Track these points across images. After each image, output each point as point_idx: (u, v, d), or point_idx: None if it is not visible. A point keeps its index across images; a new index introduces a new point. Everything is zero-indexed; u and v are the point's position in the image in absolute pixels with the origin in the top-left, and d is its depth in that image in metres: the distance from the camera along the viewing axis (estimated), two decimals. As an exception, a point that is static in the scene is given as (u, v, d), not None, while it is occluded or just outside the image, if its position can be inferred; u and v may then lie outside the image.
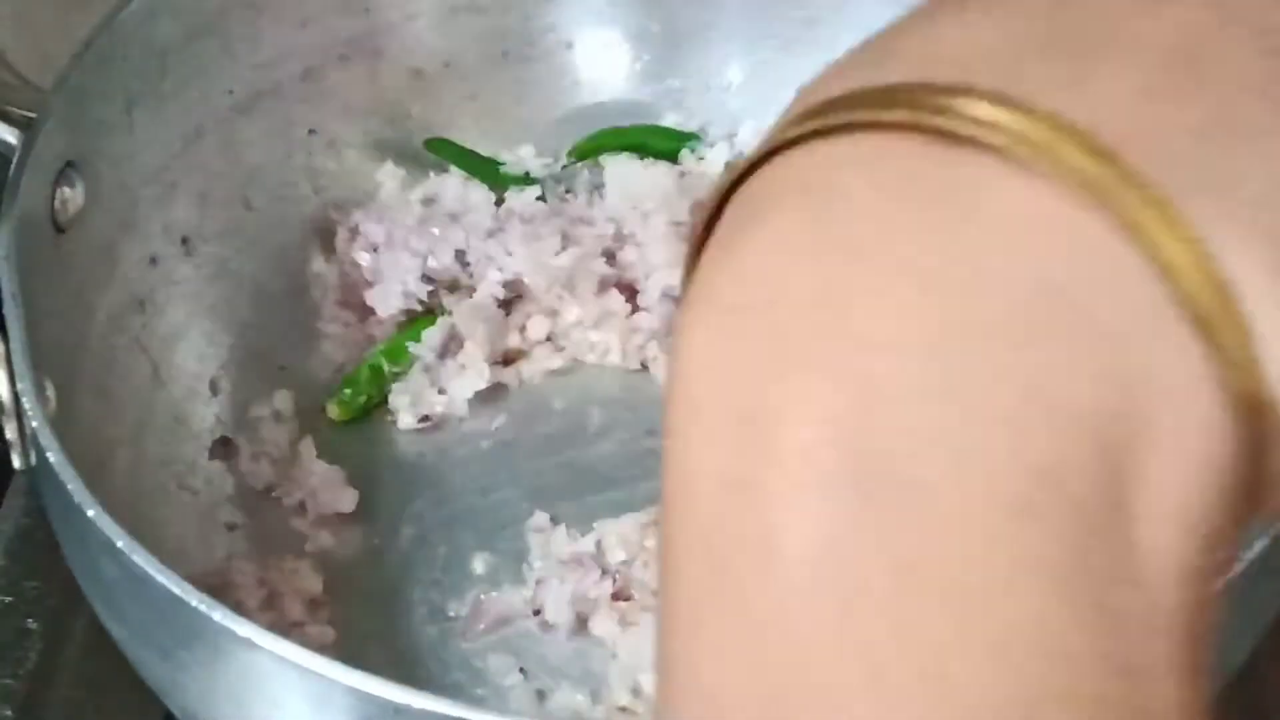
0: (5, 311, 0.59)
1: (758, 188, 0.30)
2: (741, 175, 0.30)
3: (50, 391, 0.60)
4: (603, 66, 0.80)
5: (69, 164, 0.66)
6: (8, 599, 0.70)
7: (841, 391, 0.27)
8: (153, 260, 0.71)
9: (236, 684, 0.55)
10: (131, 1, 0.69)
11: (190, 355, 0.72)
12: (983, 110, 0.28)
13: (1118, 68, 0.29)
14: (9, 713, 0.67)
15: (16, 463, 0.59)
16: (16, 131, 0.64)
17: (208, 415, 0.72)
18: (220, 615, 0.53)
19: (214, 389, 0.73)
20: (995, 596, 0.27)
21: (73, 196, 0.66)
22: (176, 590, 0.53)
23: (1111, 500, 0.27)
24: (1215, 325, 0.28)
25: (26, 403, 0.58)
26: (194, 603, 0.53)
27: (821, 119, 0.29)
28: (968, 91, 0.29)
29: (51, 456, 0.56)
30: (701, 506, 0.28)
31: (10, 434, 0.59)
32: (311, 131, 0.77)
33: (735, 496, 0.28)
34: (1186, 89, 0.29)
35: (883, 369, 0.27)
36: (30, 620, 0.69)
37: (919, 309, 0.28)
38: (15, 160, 0.63)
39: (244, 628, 0.52)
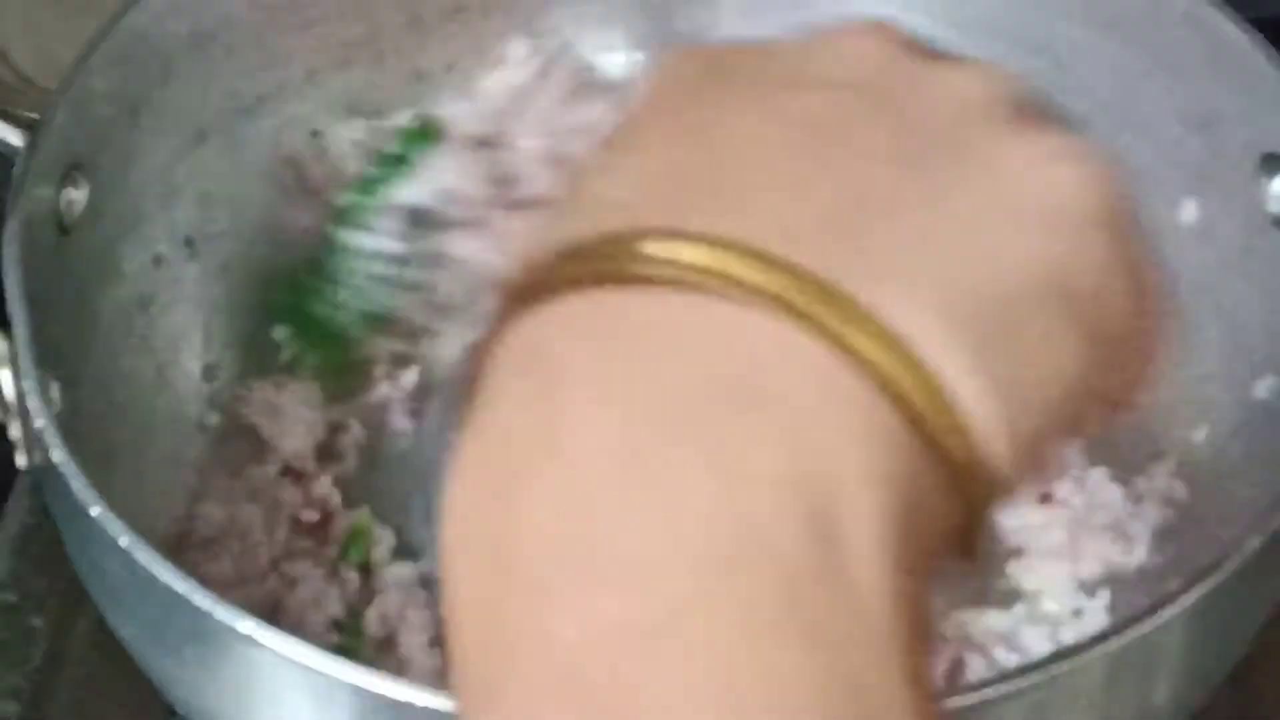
0: (10, 311, 0.60)
1: (498, 358, 0.34)
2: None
3: (55, 391, 0.61)
4: (603, 68, 0.80)
5: (73, 165, 0.66)
6: (13, 598, 0.70)
7: (557, 509, 0.31)
8: (157, 261, 0.72)
9: (240, 681, 0.55)
10: (136, 4, 0.69)
11: (194, 355, 0.73)
12: (656, 249, 0.33)
13: (757, 184, 0.34)
14: (14, 711, 0.67)
15: (21, 462, 0.60)
16: (21, 133, 0.64)
17: (212, 415, 0.73)
18: (223, 613, 0.53)
19: (218, 388, 0.73)
20: (720, 644, 0.30)
21: (77, 198, 0.66)
22: (180, 589, 0.54)
23: (821, 546, 0.31)
24: (897, 385, 0.32)
25: (31, 402, 0.58)
26: (197, 601, 0.53)
27: (535, 282, 0.34)
28: (639, 235, 0.33)
29: (56, 456, 0.57)
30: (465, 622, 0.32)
31: (15, 433, 0.60)
32: (314, 133, 0.77)
33: (489, 612, 0.32)
34: (818, 181, 0.34)
35: (585, 480, 0.31)
36: (35, 618, 0.70)
37: (610, 424, 0.31)
38: (20, 161, 0.64)
39: (247, 625, 0.53)
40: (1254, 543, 0.56)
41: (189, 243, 0.73)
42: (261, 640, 0.52)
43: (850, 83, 0.36)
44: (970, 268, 0.34)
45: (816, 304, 0.32)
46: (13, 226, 0.61)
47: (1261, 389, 0.68)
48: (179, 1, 0.71)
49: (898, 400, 0.32)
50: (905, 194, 0.34)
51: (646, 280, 0.33)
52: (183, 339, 0.72)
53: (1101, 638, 0.53)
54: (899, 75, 0.37)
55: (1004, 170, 0.35)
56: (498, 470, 0.32)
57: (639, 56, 0.80)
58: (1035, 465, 0.35)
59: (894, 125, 0.35)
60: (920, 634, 0.32)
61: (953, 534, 0.34)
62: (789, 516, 0.31)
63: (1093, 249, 0.35)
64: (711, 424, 0.31)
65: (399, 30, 0.78)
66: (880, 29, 0.38)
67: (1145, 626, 0.53)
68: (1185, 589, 0.54)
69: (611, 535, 0.31)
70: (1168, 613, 0.54)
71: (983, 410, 0.33)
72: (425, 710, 0.51)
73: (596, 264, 0.33)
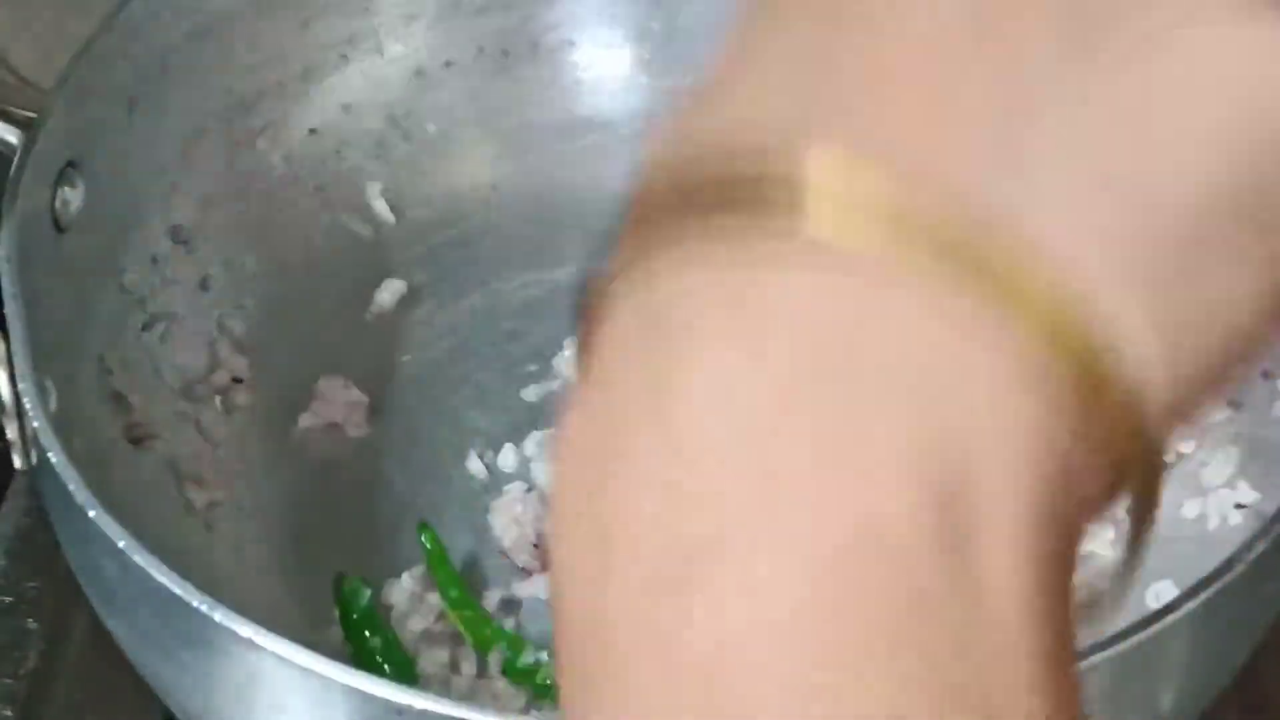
0: (6, 311, 0.60)
1: (609, 313, 0.31)
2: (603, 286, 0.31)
3: (51, 391, 0.60)
4: (604, 66, 0.80)
5: (70, 164, 0.66)
6: (8, 599, 0.70)
7: (663, 494, 0.29)
8: (153, 260, 0.71)
9: (238, 684, 0.55)
10: (132, 1, 0.69)
11: (191, 354, 0.72)
12: (782, 196, 0.29)
13: (893, 95, 0.29)
14: (9, 713, 0.67)
15: (17, 463, 0.59)
16: (18, 131, 0.64)
17: (209, 415, 0.72)
18: (221, 616, 0.53)
19: (215, 388, 0.72)
20: (831, 656, 0.27)
21: (73, 196, 0.66)
22: (178, 590, 0.53)
23: (949, 544, 0.28)
24: (1061, 339, 0.28)
25: (28, 402, 0.58)
26: (195, 603, 0.53)
27: (654, 224, 0.30)
28: (766, 179, 0.29)
29: (53, 456, 0.57)
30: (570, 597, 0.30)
31: (11, 434, 0.59)
32: (312, 131, 0.77)
33: (595, 605, 0.29)
34: (963, 82, 0.29)
35: (692, 463, 0.28)
36: (31, 620, 0.69)
37: (721, 399, 0.28)
38: (16, 160, 0.63)
39: (245, 628, 0.52)
40: (1259, 547, 0.55)
41: (186, 241, 0.73)
42: (260, 643, 0.52)
43: None
44: (1142, 183, 0.28)
45: (958, 253, 0.28)
46: (9, 226, 0.61)
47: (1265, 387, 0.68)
48: (176, -1, 0.71)
49: (1059, 356, 0.28)
50: (1066, 82, 0.28)
51: (774, 233, 0.29)
52: (180, 338, 0.72)
53: (1106, 643, 0.53)
54: None
55: (1191, 40, 0.29)
56: (601, 448, 0.30)
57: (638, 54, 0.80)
58: (1197, 402, 0.30)
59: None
60: (1061, 636, 0.29)
61: (1098, 510, 0.30)
62: (914, 511, 0.28)
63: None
64: (832, 401, 0.28)
65: (397, 27, 0.78)
66: None
67: (1150, 631, 0.53)
68: (1190, 594, 0.54)
69: (719, 529, 0.28)
70: (1172, 618, 0.54)
71: (1152, 363, 0.28)
72: (424, 713, 0.51)
73: (718, 212, 0.29)
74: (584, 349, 0.31)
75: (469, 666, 0.66)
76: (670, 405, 0.29)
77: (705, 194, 0.30)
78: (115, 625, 0.60)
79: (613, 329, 0.30)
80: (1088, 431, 0.28)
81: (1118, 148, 0.28)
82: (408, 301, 0.77)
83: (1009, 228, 0.28)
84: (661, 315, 0.30)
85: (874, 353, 0.28)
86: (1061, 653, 0.29)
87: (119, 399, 0.69)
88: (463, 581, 0.67)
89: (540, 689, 0.65)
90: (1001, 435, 0.28)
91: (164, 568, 0.54)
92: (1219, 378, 0.30)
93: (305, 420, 0.73)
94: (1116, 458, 0.29)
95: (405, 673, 0.64)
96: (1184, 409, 0.30)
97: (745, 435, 0.28)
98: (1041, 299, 0.28)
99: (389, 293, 0.77)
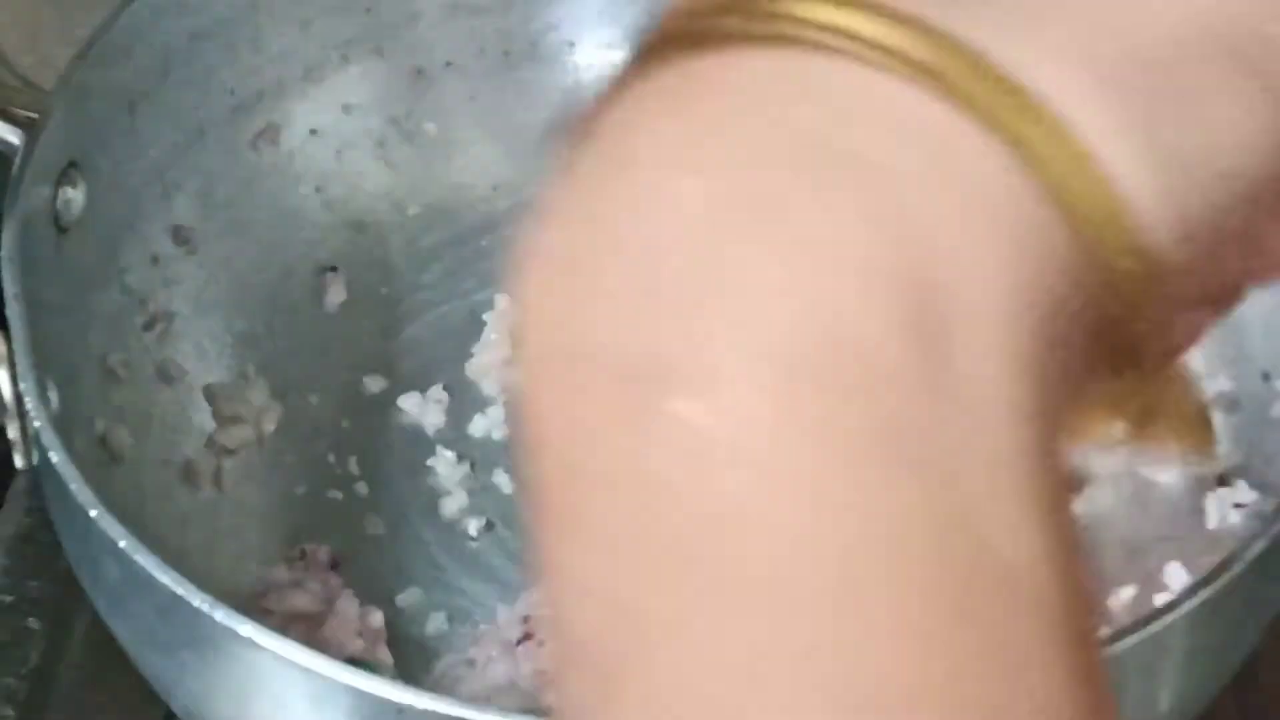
0: (8, 311, 0.60)
1: (593, 130, 0.29)
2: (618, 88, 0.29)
3: (52, 391, 0.60)
4: (604, 66, 0.80)
5: (71, 164, 0.66)
6: (9, 598, 0.70)
7: (627, 309, 0.27)
8: (154, 260, 0.72)
9: (238, 683, 0.55)
10: (133, 2, 0.69)
11: (192, 354, 0.73)
12: (821, 14, 0.27)
13: None
14: (10, 712, 0.67)
15: (19, 462, 0.60)
16: (19, 131, 0.64)
17: (209, 414, 0.72)
18: (222, 615, 0.53)
19: (216, 387, 0.73)
20: (806, 470, 0.26)
21: (75, 196, 0.66)
22: (179, 590, 0.53)
23: (924, 348, 0.26)
24: (1032, 148, 0.27)
25: (29, 402, 0.58)
26: (196, 603, 0.53)
27: (649, 45, 0.29)
28: None
29: (54, 456, 0.57)
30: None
31: (13, 434, 0.59)
32: (313, 131, 0.77)
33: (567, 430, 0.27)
34: None
35: (652, 271, 0.27)
36: (32, 620, 0.69)
37: (683, 203, 0.27)
38: (18, 160, 0.63)
39: (246, 627, 0.52)
40: (1257, 546, 0.55)
41: (187, 241, 0.73)
42: (261, 643, 0.52)
43: None
44: (1127, 11, 0.28)
45: (930, 54, 0.27)
46: (11, 226, 0.61)
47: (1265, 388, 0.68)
48: (177, -1, 0.71)
49: (1032, 166, 0.27)
50: None
51: (752, 38, 0.28)
52: (181, 338, 0.72)
53: (1104, 641, 0.53)
54: None
55: None
56: (567, 267, 0.28)
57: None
58: (1215, 265, 0.29)
59: None
60: (1053, 470, 0.27)
61: (1106, 345, 0.28)
62: (883, 310, 0.26)
63: None
64: (794, 197, 0.27)
65: (398, 28, 0.78)
66: None
67: (1148, 631, 0.53)
68: (1189, 593, 0.54)
69: (685, 339, 0.26)
70: (1171, 617, 0.54)
71: (1139, 179, 0.27)
72: (425, 713, 0.51)
73: (709, 21, 0.28)
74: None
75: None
76: (628, 214, 0.27)
77: (690, 15, 0.29)
78: (116, 624, 0.60)
79: (587, 142, 0.29)
80: (1075, 257, 0.27)
81: None
82: (408, 301, 0.77)
83: (996, 46, 0.27)
84: (627, 121, 0.28)
85: (842, 138, 0.27)
86: (1054, 488, 0.27)
87: (120, 398, 0.69)
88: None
89: None
90: (977, 240, 0.27)
91: (165, 567, 0.54)
92: (1240, 227, 0.29)
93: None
94: (1117, 286, 0.28)
95: None
96: (1200, 247, 0.28)
97: (702, 236, 0.27)
98: (1026, 117, 0.27)
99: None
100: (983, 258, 0.26)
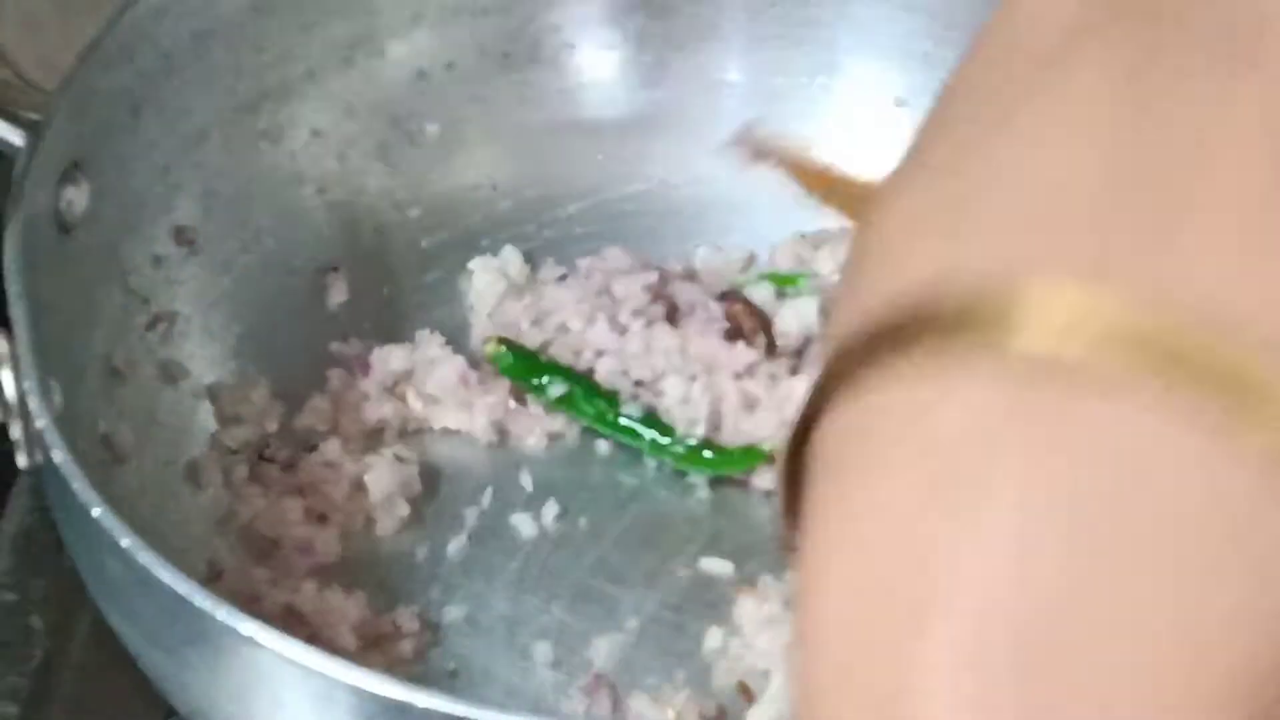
0: (11, 311, 0.60)
1: (845, 431, 0.29)
2: (817, 405, 0.30)
3: (56, 391, 0.61)
4: (604, 68, 0.80)
5: (74, 164, 0.66)
6: (12, 597, 0.70)
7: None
8: (157, 260, 0.72)
9: (240, 682, 0.55)
10: (136, 2, 0.69)
11: (194, 354, 0.73)
12: (1059, 318, 0.27)
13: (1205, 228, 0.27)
14: (13, 711, 0.67)
15: (22, 462, 0.60)
16: (22, 132, 0.64)
17: (212, 414, 0.72)
18: (224, 614, 0.53)
19: (218, 387, 0.73)
20: None
21: (78, 197, 0.66)
22: (182, 589, 0.54)
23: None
24: None
25: (32, 402, 0.58)
26: (198, 601, 0.53)
27: (851, 355, 0.28)
28: (967, 312, 0.27)
29: (57, 456, 0.57)
30: None
31: (15, 433, 0.60)
32: (315, 133, 0.77)
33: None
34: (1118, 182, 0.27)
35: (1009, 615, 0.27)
36: (34, 619, 0.69)
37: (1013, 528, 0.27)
38: (21, 161, 0.64)
39: (248, 626, 0.53)
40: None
41: (190, 242, 0.73)
42: (263, 641, 0.53)
43: None
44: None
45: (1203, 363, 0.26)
46: (14, 226, 0.61)
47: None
48: (180, 0, 0.71)
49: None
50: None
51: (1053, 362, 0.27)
52: (183, 338, 0.72)
53: None
54: None
55: None
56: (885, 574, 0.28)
57: (639, 57, 0.80)
58: None
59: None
60: None
61: None
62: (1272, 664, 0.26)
63: None
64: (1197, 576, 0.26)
65: (400, 29, 0.78)
66: None
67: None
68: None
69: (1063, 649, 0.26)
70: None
71: None
72: (425, 711, 0.51)
73: (926, 340, 0.28)
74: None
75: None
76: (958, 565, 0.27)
77: (896, 332, 0.28)
78: (119, 623, 0.60)
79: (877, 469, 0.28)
80: None
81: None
82: (409, 302, 0.77)
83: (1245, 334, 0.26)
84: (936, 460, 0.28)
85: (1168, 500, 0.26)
86: None
87: (123, 398, 0.69)
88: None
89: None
90: None
91: (167, 566, 0.54)
92: None
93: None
94: None
95: None
96: None
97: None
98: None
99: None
100: None
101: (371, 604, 0.67)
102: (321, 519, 0.70)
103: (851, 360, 0.29)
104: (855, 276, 0.30)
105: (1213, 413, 0.26)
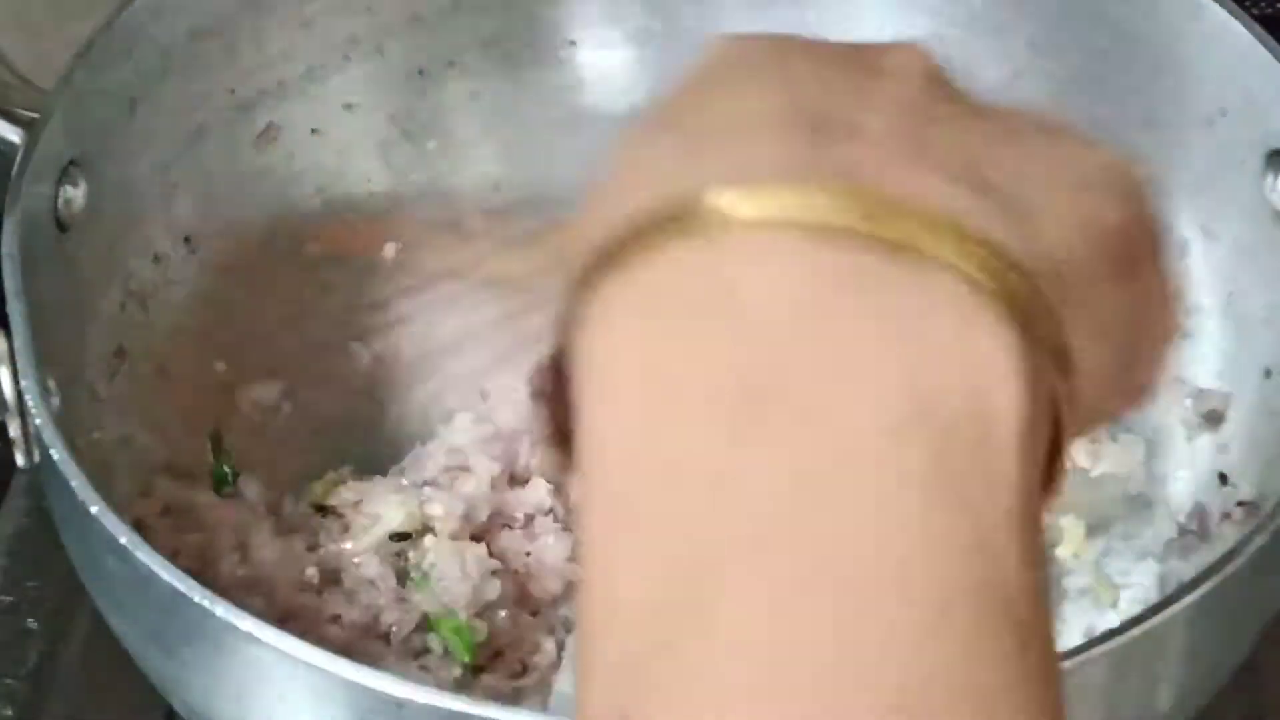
0: (9, 310, 0.60)
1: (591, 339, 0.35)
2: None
3: (54, 389, 0.60)
4: (605, 66, 0.80)
5: (72, 163, 0.66)
6: (9, 598, 0.70)
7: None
8: (155, 258, 0.72)
9: (239, 680, 0.55)
10: (134, 1, 0.69)
11: (193, 353, 0.73)
12: (720, 202, 0.34)
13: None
14: (10, 712, 0.67)
15: (20, 461, 0.60)
16: (20, 131, 0.64)
17: (210, 413, 0.72)
18: (223, 611, 0.53)
19: (217, 387, 0.73)
20: (880, 503, 0.32)
21: (75, 195, 0.66)
22: (180, 587, 0.54)
23: (976, 424, 0.32)
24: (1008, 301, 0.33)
25: (30, 401, 0.58)
26: (197, 599, 0.53)
27: (613, 252, 0.35)
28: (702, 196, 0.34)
29: (55, 454, 0.57)
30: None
31: (14, 432, 0.60)
32: (314, 131, 0.77)
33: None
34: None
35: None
36: (31, 620, 0.70)
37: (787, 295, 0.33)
38: (18, 159, 0.64)
39: (246, 623, 0.53)
40: (1258, 541, 0.55)
41: (188, 240, 0.73)
42: (262, 638, 0.52)
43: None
44: (1034, 213, 0.35)
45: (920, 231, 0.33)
46: (11, 225, 0.61)
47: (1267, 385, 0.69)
48: (177, -2, 0.71)
49: (1014, 311, 0.33)
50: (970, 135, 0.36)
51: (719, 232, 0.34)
52: (182, 337, 0.72)
53: (1102, 637, 0.53)
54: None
55: (1061, 154, 0.37)
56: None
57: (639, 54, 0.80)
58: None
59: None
60: (1038, 520, 0.34)
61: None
62: (956, 391, 0.32)
63: (1140, 216, 0.37)
64: (889, 294, 0.33)
65: (399, 27, 0.78)
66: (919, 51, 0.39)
67: (1146, 626, 0.53)
68: (1189, 588, 0.54)
69: (793, 388, 0.32)
70: (1169, 612, 0.54)
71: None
72: (425, 707, 0.51)
73: (673, 224, 0.35)
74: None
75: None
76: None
77: (653, 223, 0.35)
78: (117, 622, 0.60)
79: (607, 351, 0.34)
80: (1041, 372, 0.34)
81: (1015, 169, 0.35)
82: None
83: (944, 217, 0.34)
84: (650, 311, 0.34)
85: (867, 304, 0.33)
86: (1037, 535, 0.34)
87: (122, 397, 0.69)
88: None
89: None
90: (1006, 352, 0.33)
91: (166, 564, 0.54)
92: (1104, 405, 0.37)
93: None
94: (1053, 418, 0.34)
95: None
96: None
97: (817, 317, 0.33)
98: (998, 275, 0.33)
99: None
100: (1010, 365, 0.33)
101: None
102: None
103: (599, 267, 0.35)
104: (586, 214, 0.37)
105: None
